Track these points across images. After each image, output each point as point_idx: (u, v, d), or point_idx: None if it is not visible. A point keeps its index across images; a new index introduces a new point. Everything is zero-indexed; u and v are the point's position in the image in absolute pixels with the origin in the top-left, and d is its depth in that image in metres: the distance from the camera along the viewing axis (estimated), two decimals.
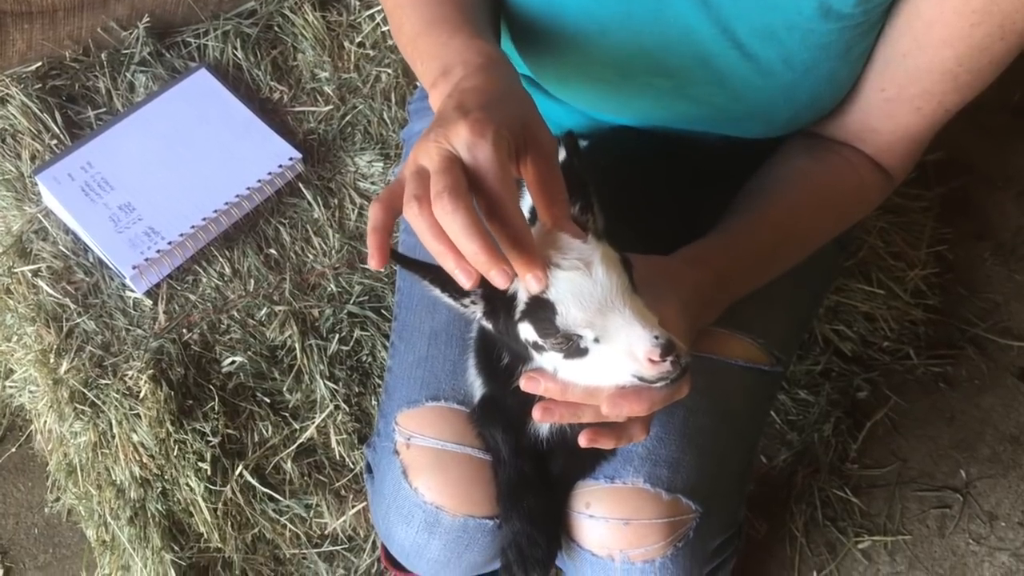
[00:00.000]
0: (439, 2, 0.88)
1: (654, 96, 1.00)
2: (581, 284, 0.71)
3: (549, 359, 0.76)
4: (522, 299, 0.73)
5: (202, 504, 1.31)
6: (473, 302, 0.77)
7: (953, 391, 1.78)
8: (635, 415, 0.77)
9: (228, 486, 1.31)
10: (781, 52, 0.93)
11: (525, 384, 0.77)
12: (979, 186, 1.98)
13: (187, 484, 1.31)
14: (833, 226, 1.05)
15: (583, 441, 0.80)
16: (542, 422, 0.81)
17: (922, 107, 0.96)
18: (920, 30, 0.91)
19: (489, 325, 0.79)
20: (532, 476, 0.94)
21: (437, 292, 0.77)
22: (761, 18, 0.92)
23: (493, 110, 0.70)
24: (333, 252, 1.45)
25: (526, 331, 0.75)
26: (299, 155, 1.49)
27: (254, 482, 1.32)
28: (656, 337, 0.71)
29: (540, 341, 0.74)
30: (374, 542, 1.45)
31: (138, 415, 1.32)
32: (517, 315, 0.74)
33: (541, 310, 0.72)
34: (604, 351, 0.73)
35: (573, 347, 0.73)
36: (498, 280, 0.66)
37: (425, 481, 0.99)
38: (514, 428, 0.93)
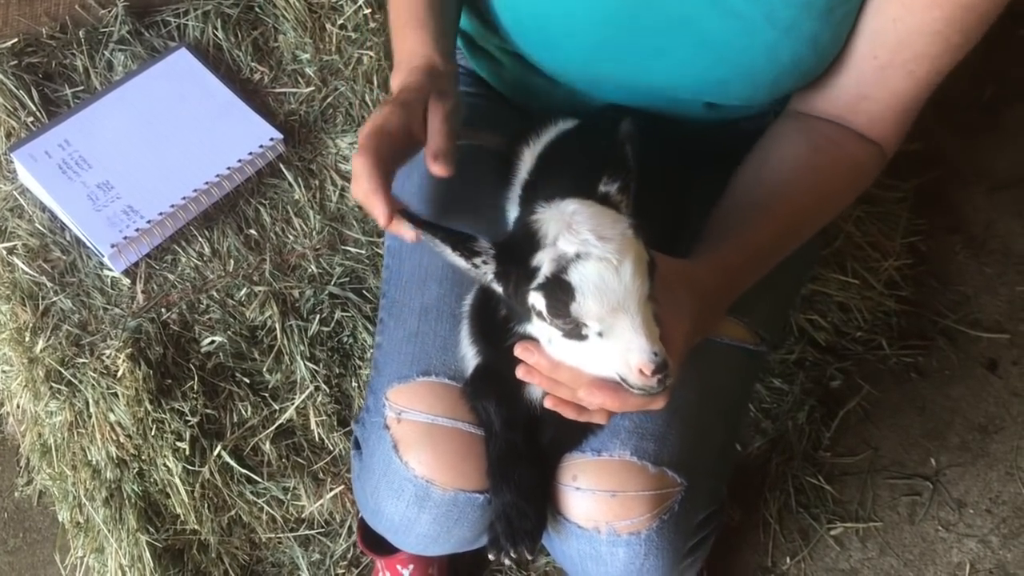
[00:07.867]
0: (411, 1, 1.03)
1: (638, 59, 1.01)
2: (608, 279, 0.73)
3: (545, 330, 0.79)
4: (544, 273, 0.76)
5: (179, 485, 1.30)
6: (484, 262, 0.80)
7: (924, 381, 1.81)
8: (606, 408, 0.80)
9: (206, 467, 1.30)
10: (763, 8, 0.94)
11: (520, 351, 0.80)
12: (951, 180, 2.01)
13: (164, 465, 1.30)
14: (832, 215, 1.08)
15: (547, 402, 0.84)
16: (522, 379, 0.84)
17: (915, 70, 0.97)
18: None
19: (499, 287, 0.81)
20: (523, 449, 0.95)
21: (447, 251, 0.80)
22: None
23: (398, 102, 0.93)
24: (314, 233, 1.45)
25: (537, 300, 0.77)
26: (280, 136, 1.48)
27: (232, 463, 1.31)
28: (655, 354, 0.74)
29: (547, 316, 0.77)
30: (350, 527, 1.45)
31: (115, 394, 1.30)
32: (534, 285, 0.76)
33: (559, 291, 0.75)
34: (602, 345, 0.76)
35: (575, 332, 0.76)
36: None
37: (416, 455, 0.99)
38: (507, 400, 0.93)
